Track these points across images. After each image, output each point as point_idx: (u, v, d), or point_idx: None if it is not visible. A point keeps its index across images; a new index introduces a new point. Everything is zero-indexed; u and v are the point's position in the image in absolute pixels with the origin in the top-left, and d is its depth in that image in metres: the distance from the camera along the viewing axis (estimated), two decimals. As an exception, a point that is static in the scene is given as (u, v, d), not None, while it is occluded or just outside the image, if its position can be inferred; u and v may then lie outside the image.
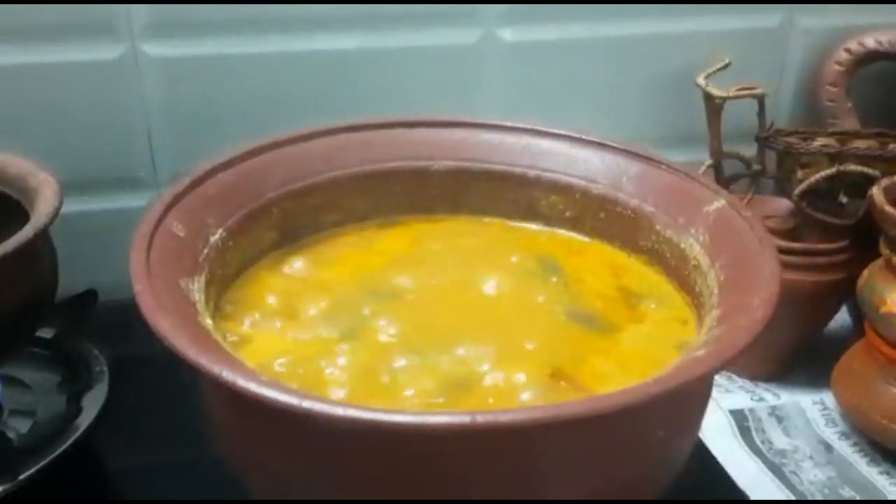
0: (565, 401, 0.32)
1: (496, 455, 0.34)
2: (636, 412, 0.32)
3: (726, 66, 0.67)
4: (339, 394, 0.41)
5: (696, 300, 0.45)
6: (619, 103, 0.74)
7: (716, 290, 0.42)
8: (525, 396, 0.40)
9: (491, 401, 0.40)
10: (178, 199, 0.45)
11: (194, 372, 0.35)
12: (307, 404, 0.32)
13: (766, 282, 0.39)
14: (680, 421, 0.39)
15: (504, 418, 0.31)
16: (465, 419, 0.31)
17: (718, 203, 0.46)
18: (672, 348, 0.43)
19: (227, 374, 0.33)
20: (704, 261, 0.45)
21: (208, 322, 0.40)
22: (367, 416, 0.32)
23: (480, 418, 0.31)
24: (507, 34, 0.70)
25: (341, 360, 0.43)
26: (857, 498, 0.57)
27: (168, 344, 0.35)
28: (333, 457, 0.36)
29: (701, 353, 0.35)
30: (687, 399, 0.39)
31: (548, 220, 0.54)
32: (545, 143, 0.53)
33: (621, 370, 0.42)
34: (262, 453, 0.38)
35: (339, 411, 0.32)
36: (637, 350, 0.44)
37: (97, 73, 0.65)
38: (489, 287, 0.48)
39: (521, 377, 0.41)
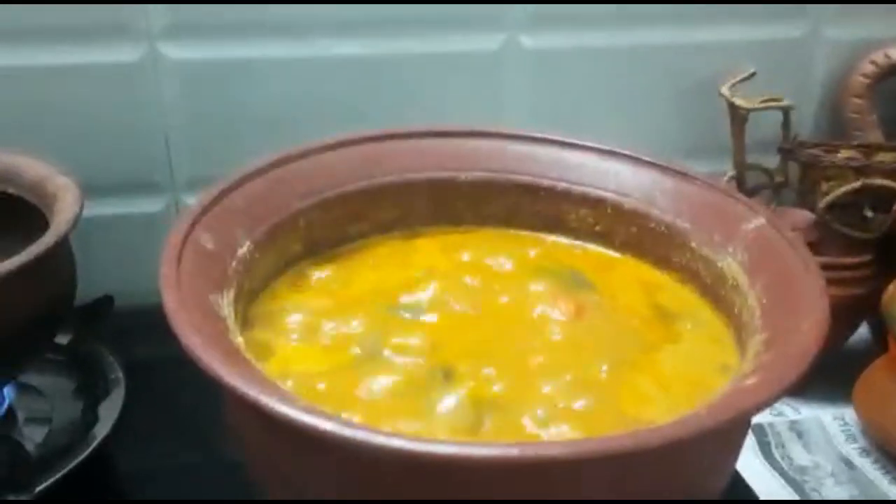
0: (615, 434, 0.31)
1: (538, 487, 0.33)
2: (687, 443, 0.32)
3: (751, 76, 0.67)
4: (365, 413, 0.40)
5: (734, 321, 0.45)
6: (642, 112, 0.73)
7: (758, 312, 0.41)
8: (567, 419, 0.39)
9: (530, 423, 0.39)
10: (206, 210, 0.44)
11: (227, 392, 0.34)
12: (348, 432, 0.31)
13: (813, 304, 0.38)
14: (725, 449, 0.39)
15: (553, 451, 0.30)
16: (514, 452, 0.30)
17: (758, 221, 0.45)
18: (713, 370, 0.43)
19: (265, 399, 0.33)
20: (743, 281, 0.44)
21: (239, 340, 0.40)
22: (409, 447, 0.31)
23: (529, 451, 0.30)
24: (530, 41, 0.69)
25: (367, 378, 0.42)
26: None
27: (202, 365, 0.34)
28: (369, 483, 0.35)
29: (752, 381, 0.35)
30: (733, 429, 0.38)
31: (577, 233, 0.53)
32: (574, 156, 0.53)
33: (663, 393, 0.41)
34: (294, 477, 0.37)
35: (383, 440, 0.31)
36: (677, 372, 0.43)
37: (115, 76, 0.65)
38: (518, 303, 0.47)
39: (557, 400, 0.40)
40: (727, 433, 0.37)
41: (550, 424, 0.39)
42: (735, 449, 0.40)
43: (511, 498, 0.34)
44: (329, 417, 0.33)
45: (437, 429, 0.39)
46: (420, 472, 0.33)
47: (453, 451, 0.31)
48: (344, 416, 0.39)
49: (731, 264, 0.45)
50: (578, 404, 0.40)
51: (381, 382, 0.42)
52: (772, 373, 0.35)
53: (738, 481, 0.58)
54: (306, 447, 0.35)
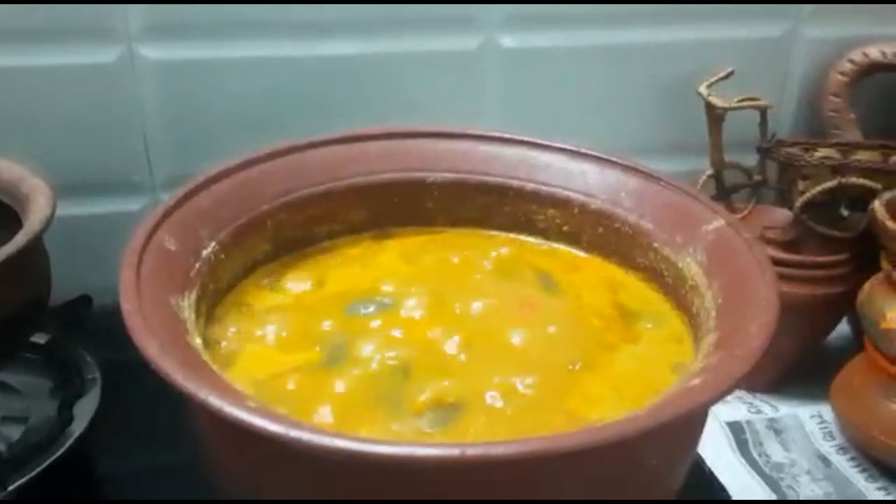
0: (557, 433, 0.31)
1: (486, 487, 0.33)
2: (630, 443, 0.32)
3: (729, 75, 0.67)
4: (327, 416, 0.40)
5: (693, 320, 0.45)
6: (620, 111, 0.73)
7: (713, 313, 0.41)
8: (519, 421, 0.39)
9: (484, 424, 0.39)
10: (170, 212, 0.45)
11: (183, 396, 0.35)
12: (295, 433, 0.32)
13: (763, 307, 0.38)
14: (674, 448, 0.39)
15: (495, 451, 0.31)
16: (455, 452, 0.31)
17: (717, 223, 0.45)
18: (667, 370, 0.43)
19: (214, 400, 0.33)
20: (702, 281, 0.44)
21: (198, 342, 0.40)
22: (355, 447, 0.31)
23: (471, 451, 0.31)
24: (508, 41, 0.69)
25: (332, 380, 0.43)
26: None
27: (156, 367, 0.35)
28: (321, 485, 0.35)
29: (697, 382, 0.35)
30: (682, 427, 0.38)
31: (545, 233, 0.53)
32: (543, 156, 0.53)
33: (614, 393, 0.41)
34: (250, 478, 0.38)
35: (328, 441, 0.31)
36: (631, 372, 0.43)
37: (93, 76, 0.65)
38: (485, 303, 0.48)
39: (510, 400, 0.40)
40: (674, 432, 0.37)
41: (501, 424, 0.39)
42: (687, 447, 0.40)
43: (461, 498, 0.34)
44: (279, 419, 0.33)
45: (398, 428, 0.40)
46: (368, 473, 0.34)
47: (396, 451, 0.31)
48: (307, 416, 0.40)
49: (690, 265, 0.45)
50: (529, 404, 0.41)
51: (345, 383, 0.43)
52: (716, 374, 0.35)
53: (712, 479, 0.59)
54: (259, 449, 0.36)
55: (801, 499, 0.58)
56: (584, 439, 0.31)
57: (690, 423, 0.39)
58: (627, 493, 0.37)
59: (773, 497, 0.58)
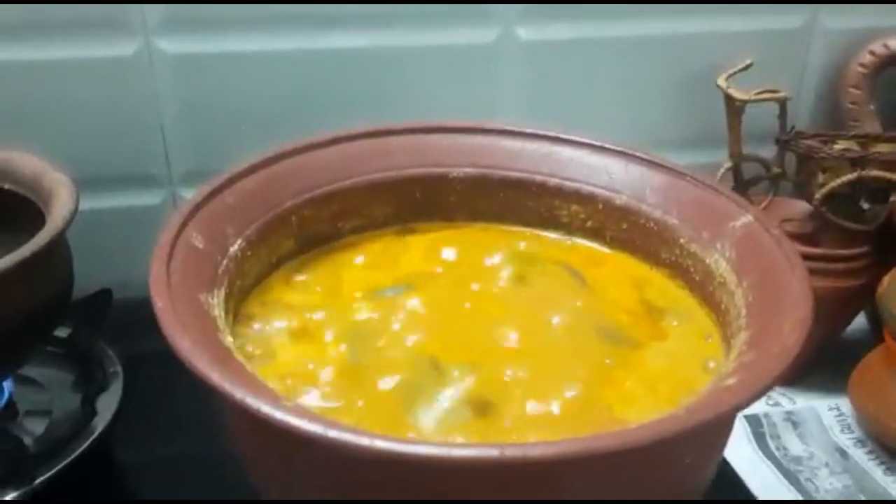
0: (596, 434, 0.31)
1: (522, 487, 0.33)
2: (668, 443, 0.32)
3: (748, 66, 0.66)
4: (358, 410, 0.40)
5: (721, 317, 0.45)
6: (638, 103, 0.73)
7: (744, 311, 0.41)
8: (552, 417, 0.39)
9: (516, 420, 0.39)
10: (197, 208, 0.44)
11: (217, 394, 0.35)
12: (333, 433, 0.32)
13: (796, 304, 0.38)
14: (708, 447, 0.39)
15: (533, 452, 0.31)
16: (494, 453, 0.31)
17: (745, 218, 0.45)
18: (697, 368, 0.43)
19: (251, 401, 0.33)
20: (731, 278, 0.44)
21: (229, 340, 0.40)
22: (394, 448, 0.31)
23: (509, 452, 0.31)
24: (525, 33, 0.69)
25: (359, 375, 0.43)
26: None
27: (190, 366, 0.35)
28: (355, 483, 0.35)
29: (733, 381, 0.35)
30: (717, 426, 0.38)
31: (568, 229, 0.53)
32: (566, 151, 0.53)
33: (648, 392, 0.41)
34: (286, 478, 0.38)
35: (366, 442, 0.31)
36: (663, 370, 0.43)
37: (111, 70, 0.65)
38: (510, 299, 0.48)
39: (547, 397, 0.40)
40: (709, 432, 0.37)
41: (536, 423, 0.39)
42: (719, 446, 0.40)
43: (497, 498, 0.34)
44: (315, 419, 0.33)
45: (429, 424, 0.40)
46: (404, 473, 0.34)
47: (435, 452, 0.31)
48: (335, 412, 0.40)
49: (718, 261, 0.45)
50: (566, 401, 0.41)
51: (373, 377, 0.43)
52: (752, 373, 0.35)
53: (731, 473, 0.59)
54: (294, 448, 0.36)
55: (820, 493, 0.58)
56: (622, 440, 0.31)
57: (725, 421, 0.39)
58: (661, 492, 0.37)
59: (792, 489, 0.58)
